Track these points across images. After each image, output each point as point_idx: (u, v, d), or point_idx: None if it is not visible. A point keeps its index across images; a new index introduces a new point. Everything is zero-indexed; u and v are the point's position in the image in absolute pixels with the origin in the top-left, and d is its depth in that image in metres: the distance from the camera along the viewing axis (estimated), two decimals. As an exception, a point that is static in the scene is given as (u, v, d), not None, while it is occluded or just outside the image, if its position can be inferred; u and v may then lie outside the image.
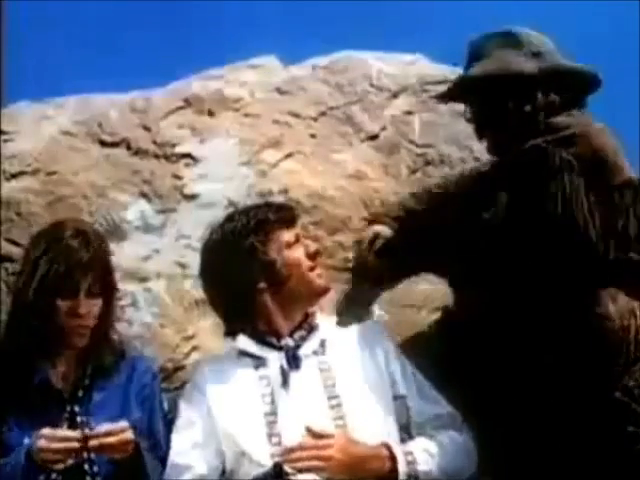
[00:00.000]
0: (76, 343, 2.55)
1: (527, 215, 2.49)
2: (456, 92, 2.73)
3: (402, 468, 2.42)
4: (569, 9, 5.09)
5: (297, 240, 2.64)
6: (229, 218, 2.70)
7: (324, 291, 2.66)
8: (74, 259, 2.50)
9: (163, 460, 2.53)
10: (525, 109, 2.60)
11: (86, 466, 2.45)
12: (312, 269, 2.63)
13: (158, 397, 2.66)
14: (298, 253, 2.63)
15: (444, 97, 2.84)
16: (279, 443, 2.44)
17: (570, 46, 5.03)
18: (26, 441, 2.42)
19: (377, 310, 2.97)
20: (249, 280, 2.58)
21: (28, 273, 2.51)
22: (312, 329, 2.62)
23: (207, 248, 2.69)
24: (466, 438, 2.55)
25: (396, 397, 2.56)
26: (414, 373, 2.62)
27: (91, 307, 2.53)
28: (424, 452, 2.47)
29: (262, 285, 2.59)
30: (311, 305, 2.66)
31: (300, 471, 2.36)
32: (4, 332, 2.59)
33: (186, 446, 2.52)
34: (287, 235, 2.63)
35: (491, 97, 2.63)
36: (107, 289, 2.57)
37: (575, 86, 2.66)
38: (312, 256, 2.65)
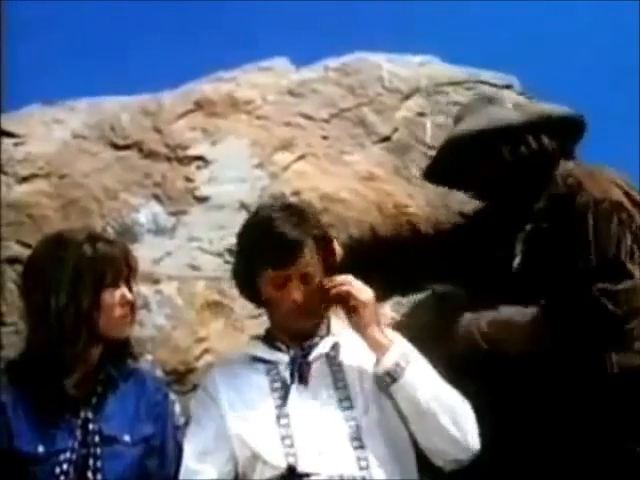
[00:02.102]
0: (121, 334, 2.56)
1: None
2: (446, 162, 2.73)
3: (390, 358, 2.46)
4: (569, 9, 5.09)
5: (285, 281, 2.54)
6: (259, 213, 2.66)
7: (298, 335, 2.60)
8: (110, 255, 2.53)
9: (170, 478, 2.53)
10: (521, 151, 2.62)
11: (90, 461, 2.45)
12: (291, 314, 2.55)
13: (170, 416, 2.66)
14: (282, 296, 2.55)
15: (434, 174, 2.83)
16: (292, 445, 2.44)
17: (570, 46, 5.04)
18: (40, 449, 2.43)
19: (389, 311, 2.96)
20: (246, 295, 2.65)
21: (70, 288, 2.48)
22: (324, 335, 2.62)
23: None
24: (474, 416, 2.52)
25: None
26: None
27: (130, 294, 2.56)
28: (423, 372, 2.49)
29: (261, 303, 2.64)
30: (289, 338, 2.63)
31: (312, 473, 2.37)
32: (30, 340, 2.58)
33: (198, 451, 2.52)
34: (275, 275, 2.53)
35: (484, 151, 2.65)
36: (131, 286, 2.59)
37: (563, 131, 2.68)
38: (293, 301, 2.53)
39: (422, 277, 2.86)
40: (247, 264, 2.57)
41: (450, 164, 2.74)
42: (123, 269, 2.55)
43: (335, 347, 2.60)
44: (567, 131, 2.70)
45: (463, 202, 3.08)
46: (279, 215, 2.55)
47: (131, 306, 2.58)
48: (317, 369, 2.55)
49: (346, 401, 2.50)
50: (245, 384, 2.57)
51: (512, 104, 2.71)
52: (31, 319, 2.58)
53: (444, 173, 2.81)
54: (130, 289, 2.59)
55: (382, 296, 2.90)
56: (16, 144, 3.31)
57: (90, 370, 2.56)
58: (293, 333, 2.60)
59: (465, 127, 2.68)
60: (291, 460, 2.41)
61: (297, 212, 2.59)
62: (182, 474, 2.52)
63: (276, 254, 2.52)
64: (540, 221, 2.61)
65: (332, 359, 2.58)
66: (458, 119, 2.76)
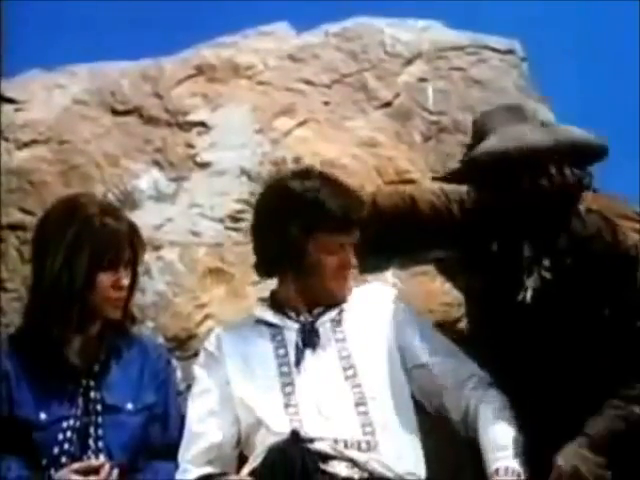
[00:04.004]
0: (113, 315, 2.57)
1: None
2: (465, 172, 2.65)
3: None
4: (569, 9, 5.05)
5: (342, 247, 2.59)
6: (305, 175, 2.65)
7: (339, 302, 2.64)
8: (114, 234, 2.53)
9: (173, 444, 2.55)
10: (542, 183, 2.53)
11: (91, 429, 2.46)
12: (337, 279, 2.60)
13: (172, 383, 2.68)
14: (332, 260, 2.59)
15: (452, 179, 2.74)
16: (296, 413, 2.46)
17: (570, 46, 5.01)
18: (42, 416, 2.45)
19: (391, 278, 2.96)
20: (280, 251, 2.58)
21: (66, 255, 2.49)
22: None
23: (269, 190, 2.68)
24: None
25: (416, 366, 2.57)
26: (435, 337, 2.63)
27: (127, 279, 2.56)
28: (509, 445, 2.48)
29: (287, 264, 2.60)
30: (321, 305, 2.63)
31: (316, 438, 2.39)
32: (28, 308, 2.59)
33: (202, 414, 2.55)
34: (332, 240, 2.57)
35: (504, 174, 2.55)
36: (136, 259, 2.59)
37: (584, 157, 2.59)
38: (343, 266, 2.61)
39: (422, 243, 2.86)
40: (300, 227, 2.54)
41: (468, 179, 2.67)
42: (125, 252, 2.55)
43: (340, 313, 2.61)
44: (590, 158, 2.61)
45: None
46: (327, 182, 2.62)
47: (129, 289, 2.58)
48: (322, 336, 2.57)
49: (350, 369, 2.52)
50: (250, 349, 2.58)
51: (541, 121, 2.58)
52: (31, 283, 2.59)
53: (461, 181, 2.74)
54: (134, 273, 2.59)
55: (382, 265, 2.92)
56: (16, 110, 3.30)
57: (91, 338, 2.57)
58: (329, 297, 2.61)
59: (488, 147, 2.56)
60: (296, 425, 2.42)
61: (343, 184, 2.66)
62: (186, 437, 2.54)
63: (343, 219, 2.56)
64: (563, 259, 2.55)
65: (336, 326, 2.59)
66: (481, 131, 2.63)
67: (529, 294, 2.55)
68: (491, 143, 2.56)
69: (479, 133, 2.63)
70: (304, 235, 2.55)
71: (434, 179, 2.85)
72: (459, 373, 2.56)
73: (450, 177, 2.73)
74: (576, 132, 2.60)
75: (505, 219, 2.58)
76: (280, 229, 2.56)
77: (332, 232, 2.56)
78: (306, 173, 2.68)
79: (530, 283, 2.56)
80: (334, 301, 2.62)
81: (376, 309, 2.64)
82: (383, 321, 2.61)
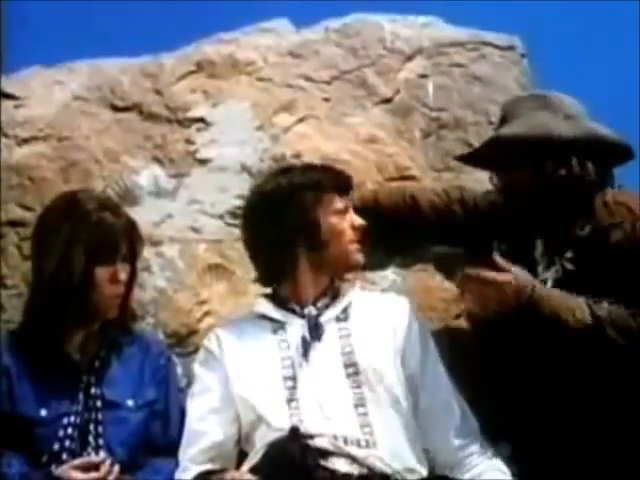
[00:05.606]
0: (110, 312, 2.56)
1: None
2: (485, 153, 2.65)
3: None
4: (569, 9, 5.05)
5: (346, 210, 2.64)
6: (285, 170, 2.70)
7: (357, 266, 2.66)
8: (110, 228, 2.52)
9: (174, 441, 2.55)
10: (559, 172, 2.52)
11: (91, 425, 2.46)
12: (352, 242, 2.62)
13: (173, 380, 2.68)
14: (344, 223, 2.62)
15: (471, 159, 2.75)
16: (298, 407, 2.46)
17: (570, 45, 5.01)
18: (42, 413, 2.45)
19: (391, 275, 2.96)
20: (289, 237, 2.58)
21: (63, 250, 2.49)
22: (336, 295, 2.63)
23: (256, 195, 2.68)
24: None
25: (407, 377, 2.56)
26: (435, 362, 2.60)
27: (125, 273, 2.55)
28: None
29: (300, 245, 2.59)
30: (340, 277, 2.66)
31: (316, 434, 2.38)
32: (28, 304, 2.59)
33: (202, 413, 2.54)
34: (339, 202, 2.63)
35: (524, 159, 2.55)
36: (134, 255, 2.58)
37: (608, 155, 2.58)
38: (356, 229, 2.64)
39: (423, 241, 2.87)
40: (309, 194, 2.59)
41: (489, 160, 2.66)
42: (121, 246, 2.54)
43: (345, 310, 2.60)
44: (613, 156, 2.60)
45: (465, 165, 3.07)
46: (309, 165, 2.79)
47: (128, 285, 2.57)
48: (327, 330, 2.56)
49: (351, 366, 2.51)
50: (251, 345, 2.58)
51: (564, 113, 2.57)
52: (31, 280, 2.59)
53: (481, 163, 2.73)
54: (133, 269, 2.58)
55: (383, 262, 2.92)
56: (16, 106, 3.30)
57: (92, 334, 2.57)
58: (348, 262, 2.63)
59: (511, 130, 2.58)
60: (295, 420, 2.42)
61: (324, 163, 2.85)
62: (186, 436, 2.54)
63: (342, 179, 2.66)
64: (585, 250, 2.52)
65: (341, 323, 2.58)
66: (506, 117, 2.64)
67: (549, 286, 2.52)
68: (515, 127, 2.58)
69: (504, 118, 2.64)
70: (313, 199, 2.59)
71: (455, 158, 2.84)
72: (452, 427, 2.54)
73: (470, 157, 2.73)
74: (601, 129, 2.59)
75: (522, 209, 2.57)
76: (288, 207, 2.58)
77: (335, 192, 2.62)
78: (286, 169, 2.72)
79: (550, 275, 2.54)
80: (353, 266, 2.65)
81: (386, 313, 2.62)
82: (391, 325, 2.60)
